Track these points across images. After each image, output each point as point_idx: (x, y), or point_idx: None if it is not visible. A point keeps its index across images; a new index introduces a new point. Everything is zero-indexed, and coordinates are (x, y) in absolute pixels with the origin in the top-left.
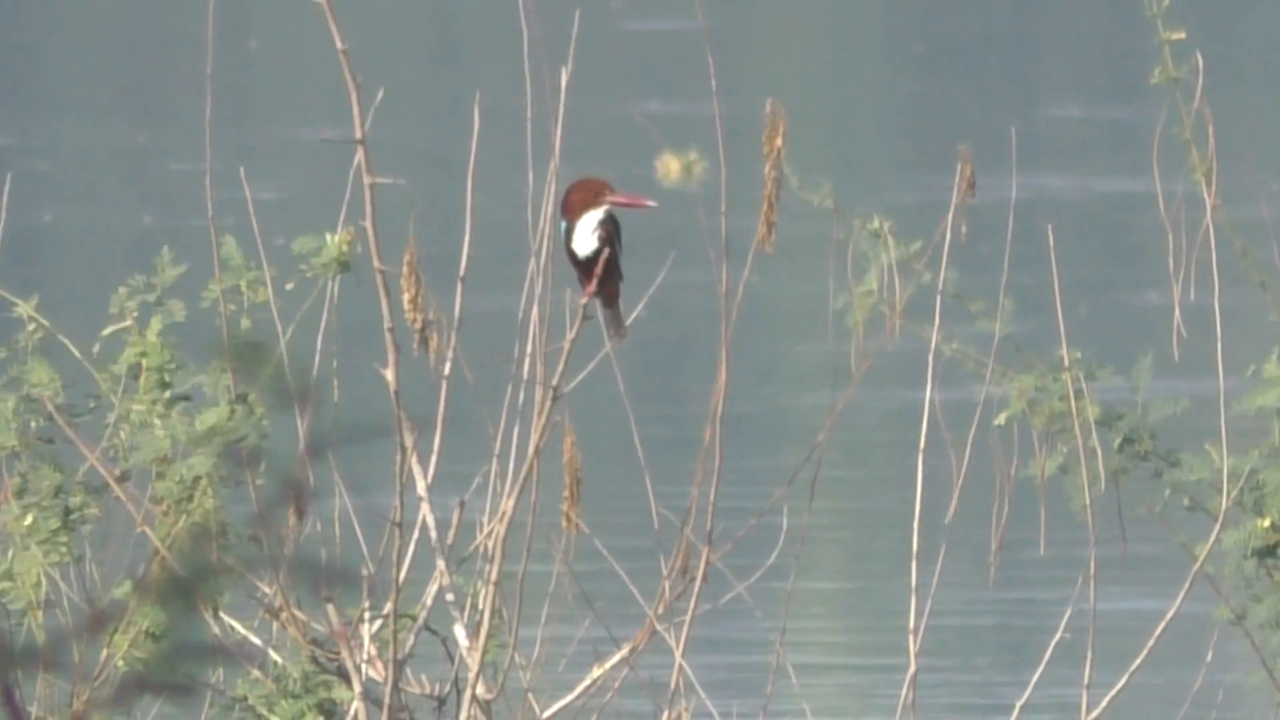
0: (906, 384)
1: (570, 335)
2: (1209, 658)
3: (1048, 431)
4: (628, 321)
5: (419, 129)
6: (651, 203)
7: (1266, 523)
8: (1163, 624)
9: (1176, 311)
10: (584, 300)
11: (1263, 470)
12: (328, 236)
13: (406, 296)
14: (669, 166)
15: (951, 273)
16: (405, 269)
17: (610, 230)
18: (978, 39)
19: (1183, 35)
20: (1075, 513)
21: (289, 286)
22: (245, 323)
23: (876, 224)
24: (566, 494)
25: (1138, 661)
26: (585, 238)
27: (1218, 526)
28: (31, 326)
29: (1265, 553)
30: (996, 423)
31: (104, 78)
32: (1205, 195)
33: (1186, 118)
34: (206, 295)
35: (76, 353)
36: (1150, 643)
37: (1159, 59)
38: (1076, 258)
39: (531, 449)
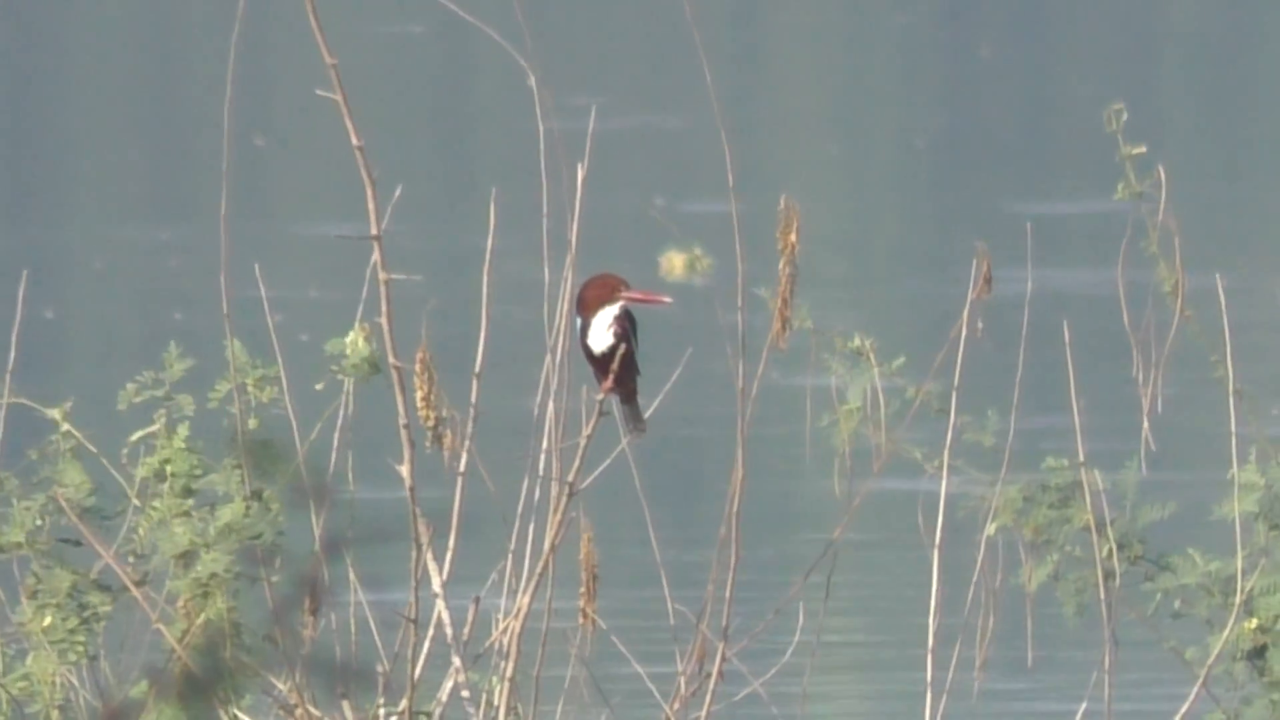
0: (904, 474)
1: (586, 431)
2: None
3: (1034, 542)
4: (645, 416)
5: (432, 225)
6: (666, 299)
7: (1254, 624)
8: (1181, 711)
9: (1145, 424)
10: (600, 396)
11: (1249, 573)
12: (358, 338)
13: (420, 394)
14: (673, 263)
15: (935, 385)
16: (418, 365)
17: (626, 326)
18: (976, 132)
19: (1143, 150)
20: (1067, 620)
21: (319, 387)
22: (253, 422)
23: (858, 342)
24: (583, 590)
25: None
26: (601, 334)
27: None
28: (64, 428)
29: (1254, 654)
30: (986, 533)
31: (114, 171)
32: (1173, 308)
33: (1153, 230)
34: (214, 395)
35: (104, 461)
36: None
37: (1121, 174)
38: (1054, 354)
39: (548, 545)
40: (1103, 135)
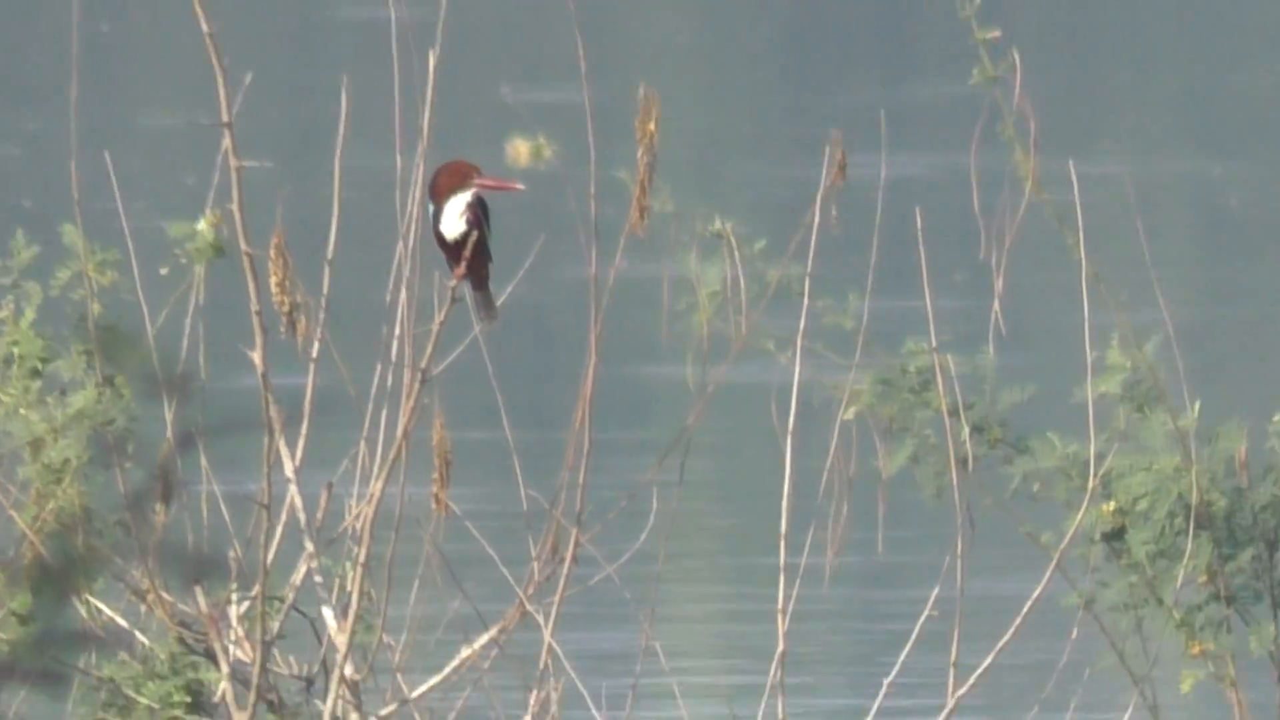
0: (763, 363)
1: (439, 318)
2: (1074, 635)
3: (893, 427)
4: (498, 303)
5: (284, 114)
6: (519, 185)
7: (1112, 507)
8: (1037, 591)
9: (996, 305)
10: (453, 283)
11: (1109, 455)
12: (202, 223)
13: (274, 280)
14: (518, 151)
15: (797, 268)
16: (272, 252)
17: (478, 213)
18: (829, 21)
19: (997, 34)
20: (926, 501)
21: (164, 272)
22: (96, 308)
23: (718, 225)
24: (436, 476)
25: (1004, 641)
26: (453, 220)
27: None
28: None
29: (1112, 537)
30: (845, 417)
31: None
32: (1025, 190)
33: (1008, 115)
34: (55, 281)
35: None
36: (1017, 622)
37: (977, 59)
38: (933, 240)
39: (400, 431)
40: (960, 20)
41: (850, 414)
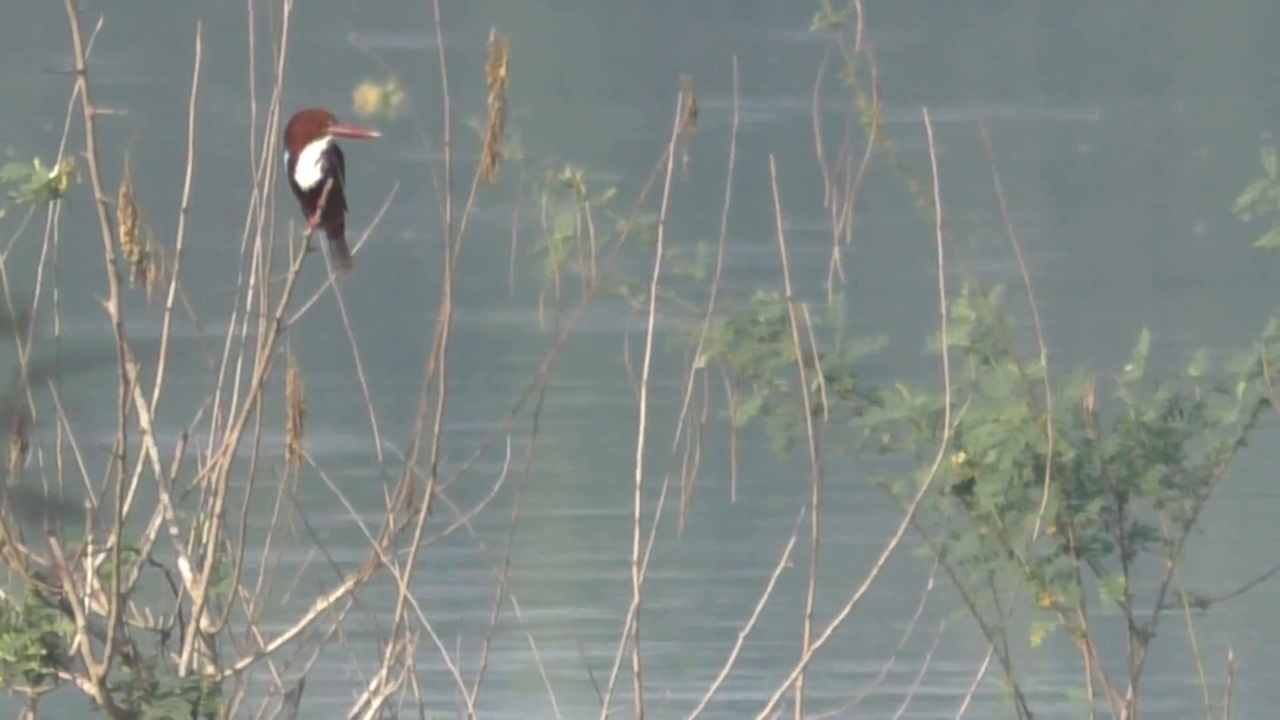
0: (619, 310)
1: (294, 267)
2: (930, 586)
3: (743, 376)
4: (352, 253)
5: (138, 61)
6: (374, 134)
7: (962, 458)
8: (890, 547)
9: (835, 251)
10: (308, 232)
11: (958, 407)
12: (36, 163)
13: (123, 228)
14: (367, 97)
15: (650, 217)
16: (121, 200)
17: (334, 161)
18: None
19: None
20: (776, 453)
21: None
22: None
23: (569, 173)
24: (290, 426)
25: (862, 589)
26: (308, 169)
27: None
28: None
29: (962, 489)
30: (696, 366)
31: None
32: (869, 138)
33: (850, 61)
34: None
35: None
36: (880, 562)
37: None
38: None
39: (255, 381)
40: None
41: (702, 362)
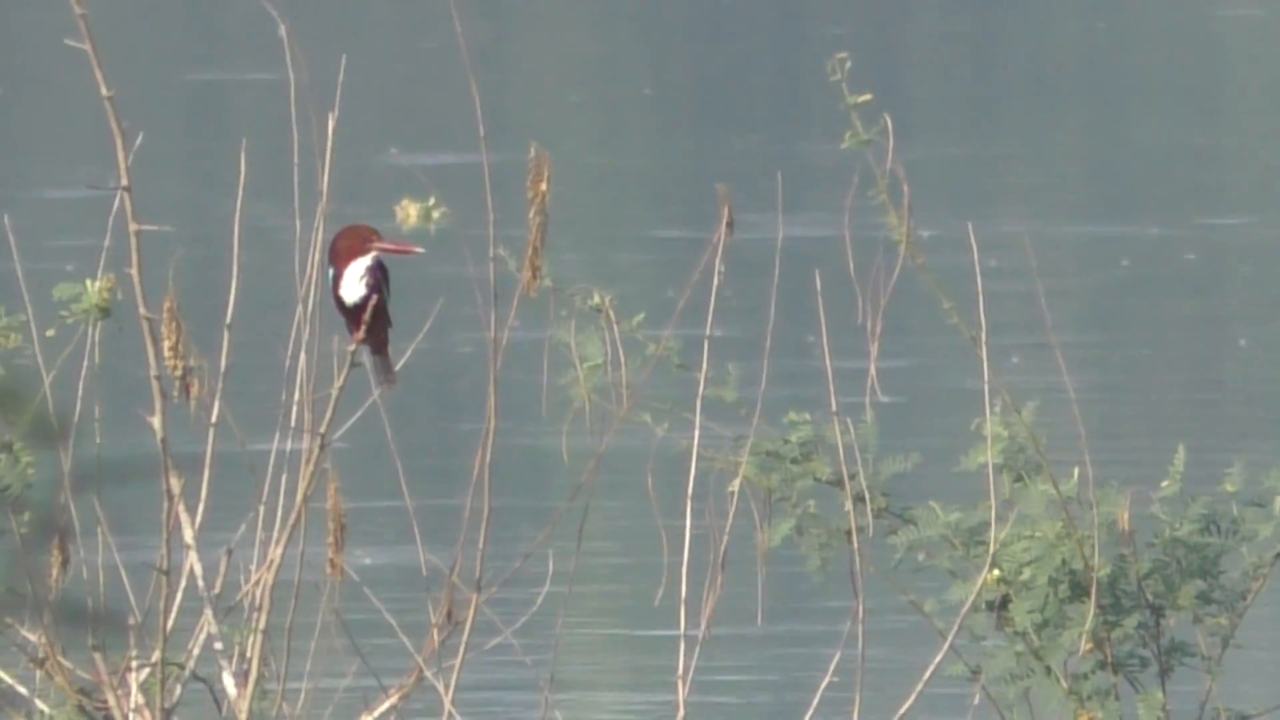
0: (640, 433)
1: (338, 382)
2: (976, 701)
3: (773, 497)
4: (396, 368)
5: (179, 178)
6: (417, 249)
7: (996, 575)
8: (930, 670)
9: (872, 369)
10: (352, 347)
11: (994, 523)
12: (87, 283)
13: (167, 344)
14: (408, 212)
15: (675, 343)
16: (165, 315)
17: (378, 277)
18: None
19: (869, 97)
20: (811, 574)
21: (50, 333)
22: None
23: (597, 299)
24: (330, 540)
25: (905, 707)
26: (353, 284)
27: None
28: None
29: (997, 605)
30: (730, 489)
31: None
32: (903, 254)
33: (881, 179)
34: None
35: None
36: (919, 686)
37: (848, 123)
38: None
39: (299, 496)
40: (856, 78)
41: (735, 486)
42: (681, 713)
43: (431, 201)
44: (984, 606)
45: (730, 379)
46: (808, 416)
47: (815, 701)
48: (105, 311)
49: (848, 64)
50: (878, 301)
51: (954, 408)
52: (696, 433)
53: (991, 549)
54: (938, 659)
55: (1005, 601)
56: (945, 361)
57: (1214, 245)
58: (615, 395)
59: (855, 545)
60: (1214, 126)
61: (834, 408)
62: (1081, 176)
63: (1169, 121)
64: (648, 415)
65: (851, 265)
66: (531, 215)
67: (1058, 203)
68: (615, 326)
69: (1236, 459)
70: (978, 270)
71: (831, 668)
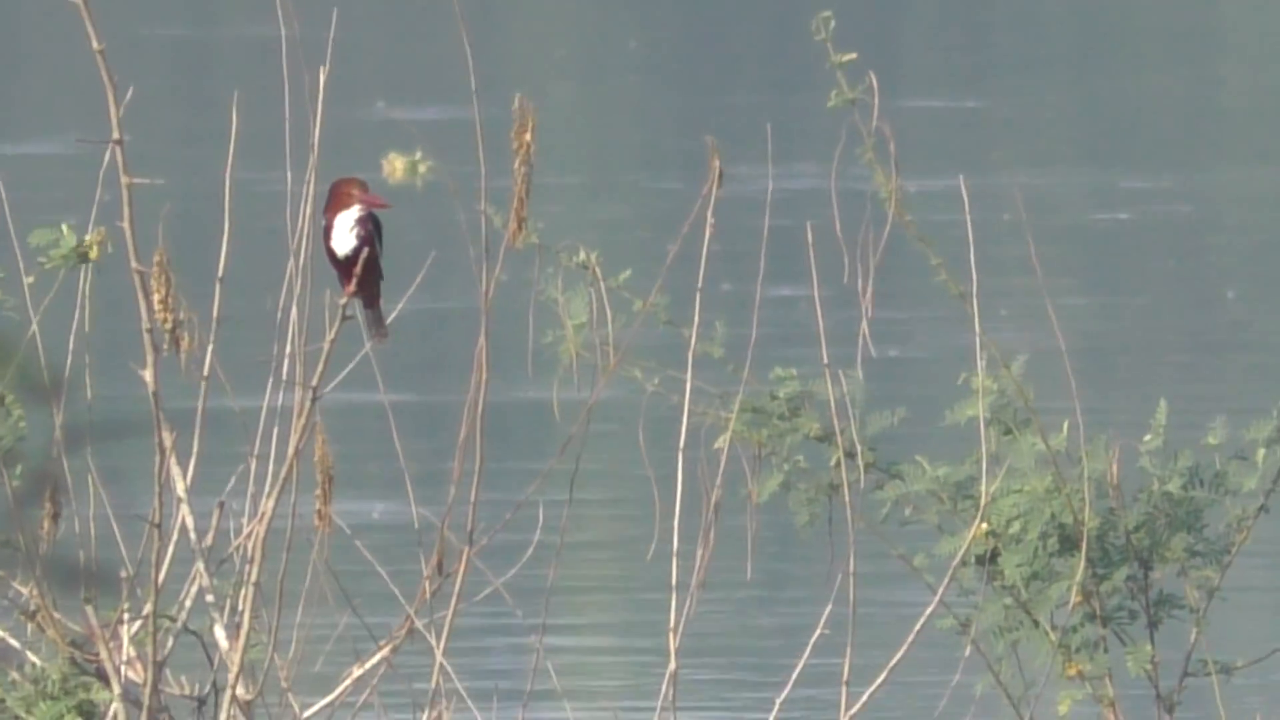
0: (630, 384)
1: (330, 335)
2: (967, 653)
3: (761, 452)
4: (388, 321)
5: (172, 132)
6: (387, 204)
7: (985, 529)
8: (919, 623)
9: (864, 323)
10: (344, 300)
11: (979, 478)
12: (64, 228)
13: (157, 297)
14: (394, 166)
15: (663, 298)
16: (155, 269)
17: (370, 229)
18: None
19: (854, 57)
20: (799, 528)
21: (29, 280)
22: None
23: (584, 256)
24: (319, 492)
25: (895, 659)
26: (344, 236)
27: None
28: None
29: (986, 559)
30: (716, 445)
31: None
32: (889, 211)
33: (868, 137)
34: None
35: None
36: (910, 638)
37: (834, 82)
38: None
39: (291, 449)
40: (846, 37)
41: (722, 442)
42: (673, 664)
43: (418, 155)
44: (973, 560)
45: (717, 335)
46: (794, 371)
47: (804, 656)
48: (84, 258)
49: (832, 23)
50: (867, 257)
51: (951, 363)
52: (688, 387)
53: (982, 502)
54: (928, 612)
55: (994, 555)
56: (942, 314)
57: (1207, 197)
58: (602, 352)
59: (847, 500)
60: (1209, 79)
61: (825, 360)
62: (1074, 129)
63: (1163, 74)
64: (638, 371)
65: (838, 224)
66: (516, 166)
67: (1051, 154)
68: (602, 284)
69: (1221, 411)
70: (969, 224)
71: (821, 621)
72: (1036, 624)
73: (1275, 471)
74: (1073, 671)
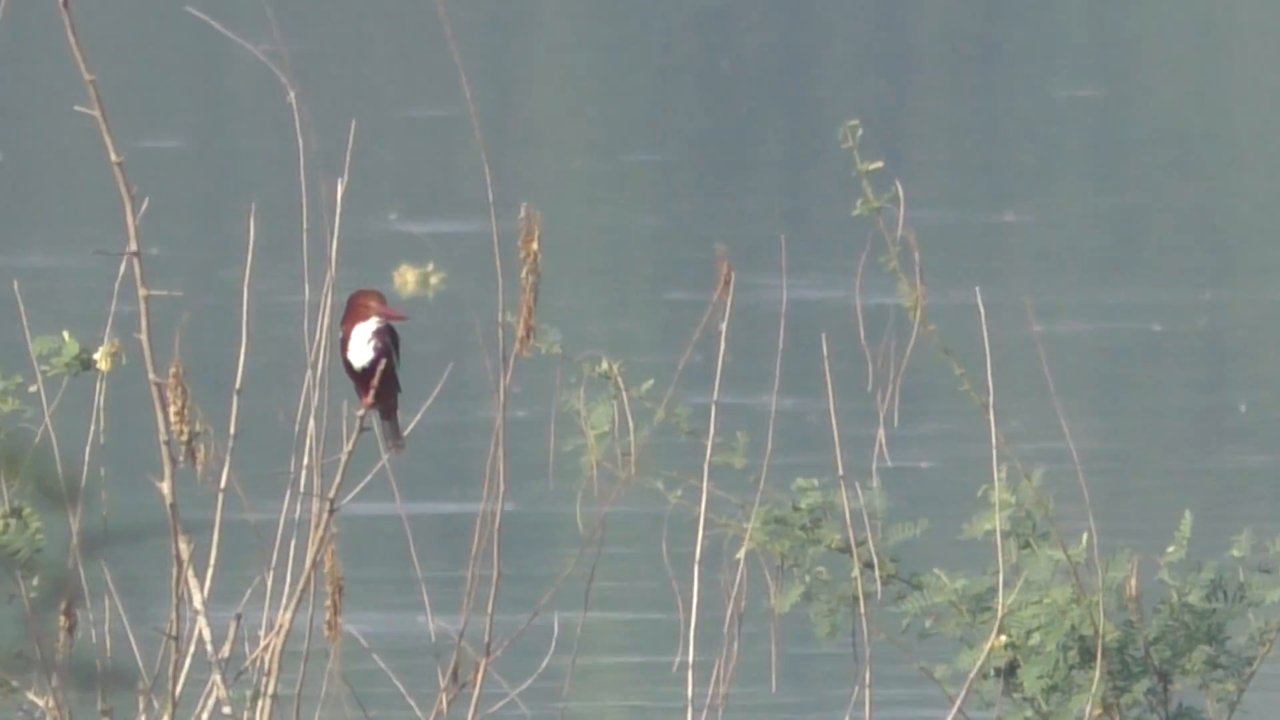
0: (649, 498)
1: (347, 447)
2: None
3: (783, 564)
4: (405, 432)
5: (190, 242)
6: (403, 316)
7: (1004, 641)
8: None
9: (880, 433)
10: (361, 411)
11: (996, 590)
12: (65, 335)
13: (173, 409)
14: (406, 278)
15: (684, 409)
16: (171, 380)
17: (387, 341)
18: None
19: (880, 165)
20: (821, 640)
21: (33, 389)
22: None
23: (605, 366)
24: (329, 603)
25: None
26: (361, 348)
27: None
28: None
29: (1006, 671)
30: (737, 557)
31: None
32: (912, 321)
33: (893, 246)
34: None
35: None
36: None
37: (859, 191)
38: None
39: (309, 562)
40: (865, 143)
41: (744, 553)
42: None
43: (430, 267)
44: (992, 672)
45: (739, 445)
46: (815, 482)
47: None
48: (86, 364)
49: (859, 131)
50: (887, 367)
51: (978, 474)
52: (704, 496)
53: (999, 614)
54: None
55: (1013, 667)
56: (967, 427)
57: (1219, 310)
58: (623, 461)
59: (862, 610)
60: (1222, 183)
61: (840, 472)
62: (1092, 241)
63: (1176, 180)
64: (659, 482)
65: (862, 331)
66: (524, 275)
67: (1067, 266)
68: (625, 394)
69: (1242, 526)
70: (985, 336)
71: None
72: None
73: None
74: None
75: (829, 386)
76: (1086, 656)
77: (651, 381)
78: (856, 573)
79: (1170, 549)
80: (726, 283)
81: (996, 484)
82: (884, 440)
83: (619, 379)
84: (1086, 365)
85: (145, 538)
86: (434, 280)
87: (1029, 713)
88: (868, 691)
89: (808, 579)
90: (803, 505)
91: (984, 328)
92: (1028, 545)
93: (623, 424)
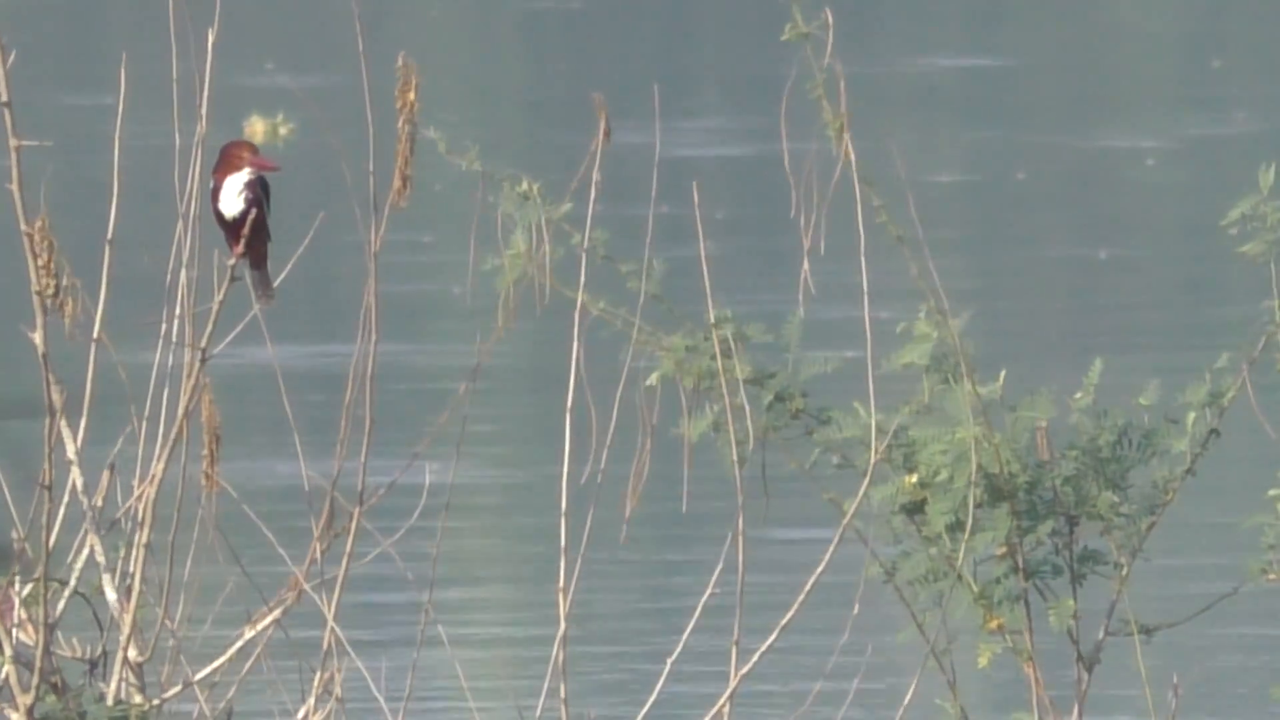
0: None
1: (218, 297)
2: (855, 611)
3: (697, 391)
4: (276, 283)
5: (60, 93)
6: (277, 167)
7: (914, 479)
8: (811, 579)
9: (805, 264)
10: (231, 261)
11: (911, 427)
12: None
13: (40, 262)
14: (255, 129)
15: (600, 233)
16: (37, 233)
17: (258, 191)
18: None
19: None
20: (727, 471)
21: None
22: None
23: (525, 185)
24: (205, 453)
25: (787, 617)
26: (231, 198)
27: (865, 482)
28: None
29: (913, 509)
30: (648, 383)
31: None
32: (836, 151)
33: (819, 73)
34: None
35: None
36: (800, 598)
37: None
38: (734, 216)
39: (181, 410)
40: None
41: (655, 378)
42: (563, 626)
43: (279, 117)
44: (899, 508)
45: (655, 272)
46: (729, 313)
47: (695, 614)
48: None
49: None
50: (811, 199)
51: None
52: (579, 297)
53: (898, 448)
54: (829, 551)
55: (921, 505)
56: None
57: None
58: (540, 283)
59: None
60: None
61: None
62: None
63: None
64: (582, 295)
65: (786, 158)
66: (400, 124)
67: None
68: (543, 213)
69: (1150, 374)
70: (903, 171)
71: (712, 580)
72: (960, 576)
73: (1204, 435)
74: (993, 625)
75: (700, 230)
76: (994, 496)
77: (570, 205)
78: (766, 404)
79: (1079, 394)
80: (606, 132)
81: (919, 318)
82: (808, 273)
83: (538, 197)
84: (958, 211)
85: (21, 414)
86: (283, 130)
87: (935, 550)
88: (740, 542)
89: (716, 408)
90: (713, 334)
91: (900, 163)
92: (946, 381)
93: (539, 246)
